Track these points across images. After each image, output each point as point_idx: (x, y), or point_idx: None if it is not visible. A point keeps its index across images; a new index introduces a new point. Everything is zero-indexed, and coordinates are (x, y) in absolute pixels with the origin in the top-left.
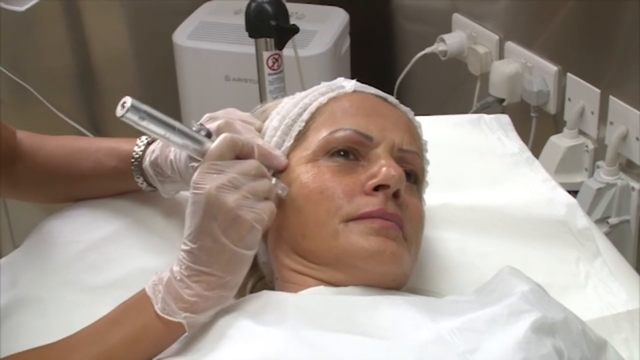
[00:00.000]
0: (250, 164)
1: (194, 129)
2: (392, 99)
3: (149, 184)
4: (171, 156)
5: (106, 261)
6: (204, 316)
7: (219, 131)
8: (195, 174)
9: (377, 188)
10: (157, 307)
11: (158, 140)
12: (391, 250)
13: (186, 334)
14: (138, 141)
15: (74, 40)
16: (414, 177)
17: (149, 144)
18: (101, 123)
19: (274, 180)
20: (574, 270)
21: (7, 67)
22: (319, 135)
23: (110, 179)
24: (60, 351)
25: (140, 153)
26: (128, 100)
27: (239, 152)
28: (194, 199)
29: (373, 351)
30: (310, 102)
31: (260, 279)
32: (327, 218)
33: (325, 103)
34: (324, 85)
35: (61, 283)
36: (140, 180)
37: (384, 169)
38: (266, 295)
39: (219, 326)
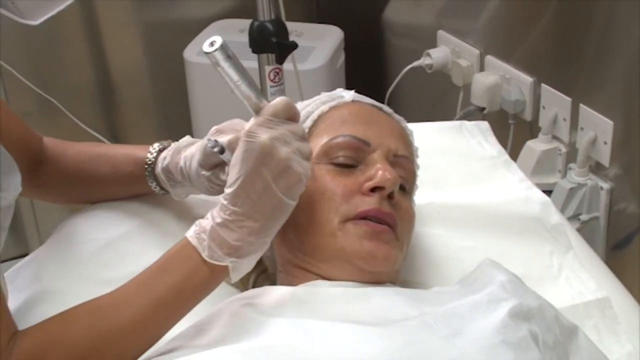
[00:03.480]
0: (299, 126)
1: (209, 145)
2: (387, 108)
3: (162, 188)
4: (181, 163)
5: (121, 257)
6: (247, 260)
7: (230, 146)
8: (249, 125)
9: (373, 189)
10: (205, 254)
11: (169, 148)
12: (383, 253)
13: (195, 322)
14: (150, 148)
15: (95, 58)
16: (404, 187)
17: (160, 151)
18: (119, 132)
19: None
20: (548, 262)
21: (34, 82)
22: (321, 141)
23: (126, 183)
24: (112, 305)
25: (153, 159)
26: (219, 40)
27: (291, 117)
28: (247, 147)
29: (365, 337)
30: (312, 110)
31: (263, 271)
32: (328, 217)
33: (326, 111)
34: (324, 95)
35: (80, 277)
36: (153, 184)
37: (380, 172)
38: (268, 288)
39: (225, 317)
